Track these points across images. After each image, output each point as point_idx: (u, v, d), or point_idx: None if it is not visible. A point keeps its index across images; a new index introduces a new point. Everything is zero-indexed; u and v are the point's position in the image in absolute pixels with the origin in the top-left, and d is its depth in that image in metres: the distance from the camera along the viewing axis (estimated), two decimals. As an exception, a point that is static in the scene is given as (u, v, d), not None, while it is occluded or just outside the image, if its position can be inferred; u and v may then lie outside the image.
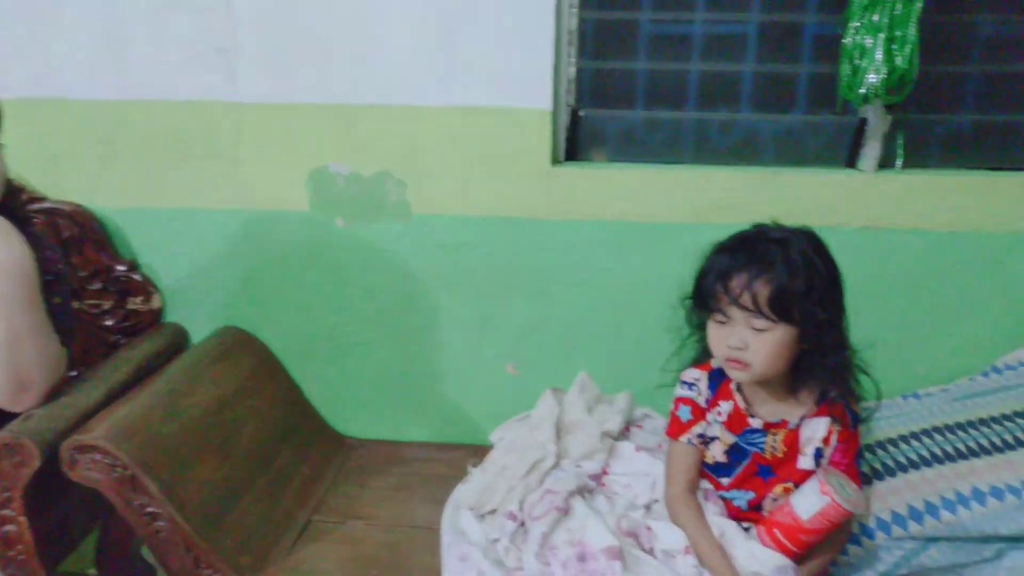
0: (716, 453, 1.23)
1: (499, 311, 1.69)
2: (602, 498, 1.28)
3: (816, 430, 1.18)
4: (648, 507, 1.27)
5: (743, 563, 1.14)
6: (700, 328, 1.24)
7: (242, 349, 1.68)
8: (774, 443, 1.19)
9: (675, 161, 1.67)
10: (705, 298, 1.15)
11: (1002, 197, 1.56)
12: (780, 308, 1.08)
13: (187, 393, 1.44)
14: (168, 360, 1.57)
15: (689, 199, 1.60)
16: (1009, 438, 1.36)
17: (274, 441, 1.57)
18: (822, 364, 1.13)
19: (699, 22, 1.63)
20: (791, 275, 1.08)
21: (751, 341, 1.11)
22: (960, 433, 1.40)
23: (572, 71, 1.63)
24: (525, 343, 1.71)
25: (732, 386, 1.21)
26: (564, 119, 1.65)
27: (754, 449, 1.20)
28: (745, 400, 1.20)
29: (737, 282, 1.10)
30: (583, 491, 1.27)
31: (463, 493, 1.37)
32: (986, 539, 1.26)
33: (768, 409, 1.20)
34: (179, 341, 1.70)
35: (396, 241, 1.67)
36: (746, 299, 1.09)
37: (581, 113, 1.65)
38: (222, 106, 1.62)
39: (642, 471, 1.32)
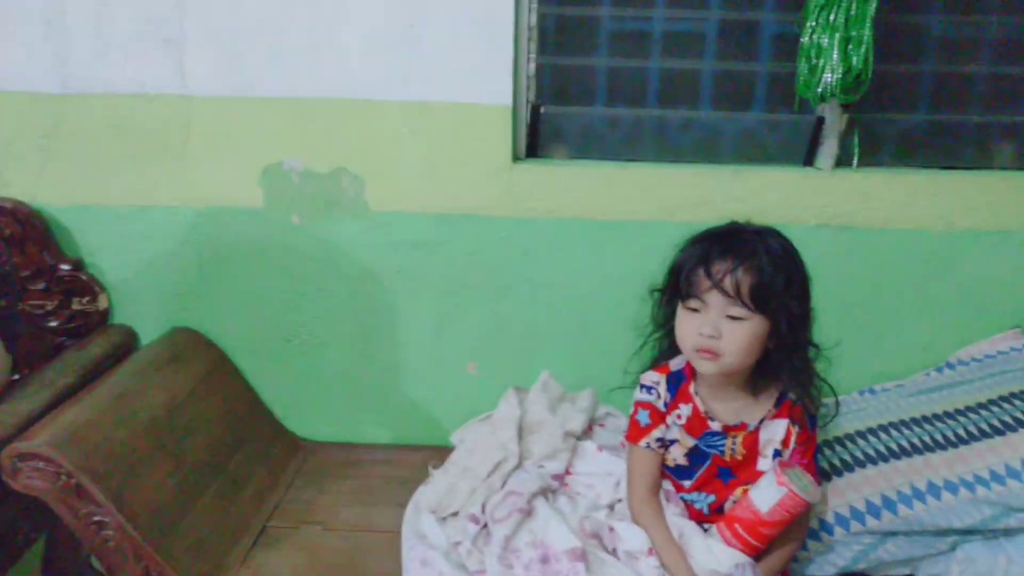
0: (677, 456, 1.22)
1: (460, 310, 1.67)
2: (565, 499, 1.27)
3: (775, 432, 1.19)
4: (611, 507, 1.26)
5: (701, 561, 1.14)
6: (663, 325, 1.23)
7: (194, 351, 1.63)
8: (733, 445, 1.20)
9: (636, 158, 1.67)
10: (682, 284, 1.13)
11: (953, 196, 1.59)
12: (760, 298, 1.08)
13: (136, 397, 1.39)
14: (116, 363, 1.52)
15: (651, 197, 1.60)
16: (962, 432, 1.39)
17: (228, 445, 1.53)
18: (787, 363, 1.13)
19: (658, 19, 1.62)
20: (774, 267, 1.08)
21: (725, 330, 1.09)
22: (915, 428, 1.42)
23: (532, 67, 1.61)
24: (486, 342, 1.69)
25: (691, 389, 1.21)
26: (524, 115, 1.63)
27: (714, 451, 1.20)
28: (704, 403, 1.20)
29: (720, 267, 1.09)
30: (546, 492, 1.26)
31: (424, 496, 1.35)
32: (941, 532, 1.29)
33: (727, 412, 1.20)
34: (127, 343, 1.65)
35: (353, 239, 1.64)
36: (728, 284, 1.08)
37: (542, 110, 1.64)
38: (170, 99, 1.57)
39: (605, 470, 1.31)
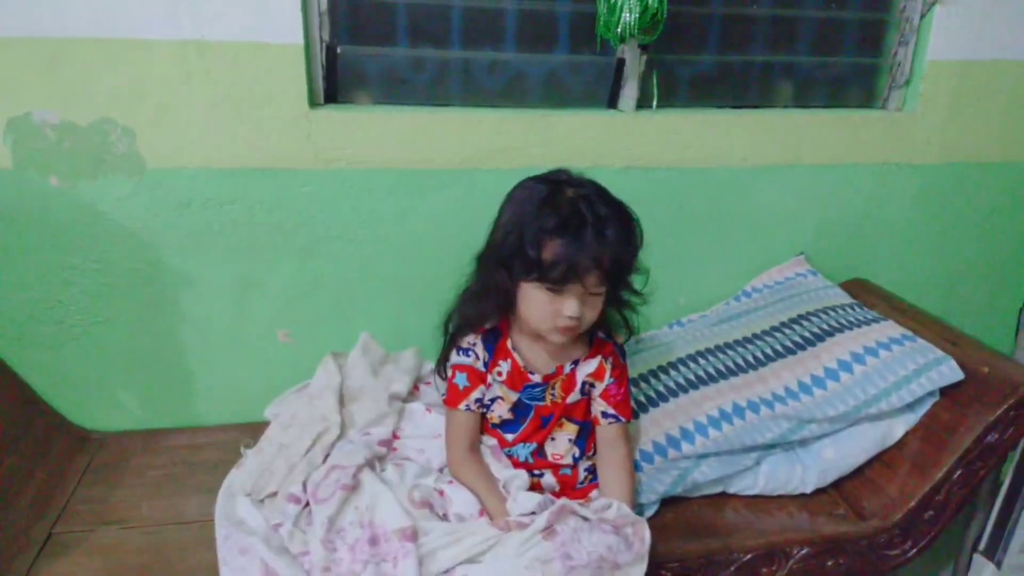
0: (501, 412, 1.21)
1: (263, 273, 1.54)
2: (392, 467, 1.21)
3: (588, 368, 1.22)
4: (441, 470, 1.23)
5: (522, 505, 1.13)
6: (490, 289, 1.15)
7: (-64, 343, 1.37)
8: (553, 392, 1.21)
9: (443, 103, 1.60)
10: (536, 268, 1.07)
11: (744, 133, 1.68)
12: (618, 277, 1.11)
13: None
14: None
15: (460, 143, 1.54)
16: (760, 355, 1.50)
17: (-6, 449, 1.32)
18: (616, 309, 1.18)
19: (457, -47, 1.55)
20: (627, 242, 1.10)
21: (586, 309, 1.10)
22: (720, 355, 1.51)
23: (324, 2, 1.47)
24: (297, 306, 1.57)
25: (508, 344, 1.20)
26: (320, 56, 1.50)
27: (536, 403, 1.21)
28: (522, 357, 1.20)
29: (584, 263, 1.06)
30: (372, 462, 1.19)
31: (237, 479, 1.24)
32: (747, 449, 1.39)
33: (545, 362, 1.21)
34: None
35: (128, 200, 1.44)
36: (592, 280, 1.07)
37: (339, 50, 1.51)
38: None
39: (434, 432, 1.27)
